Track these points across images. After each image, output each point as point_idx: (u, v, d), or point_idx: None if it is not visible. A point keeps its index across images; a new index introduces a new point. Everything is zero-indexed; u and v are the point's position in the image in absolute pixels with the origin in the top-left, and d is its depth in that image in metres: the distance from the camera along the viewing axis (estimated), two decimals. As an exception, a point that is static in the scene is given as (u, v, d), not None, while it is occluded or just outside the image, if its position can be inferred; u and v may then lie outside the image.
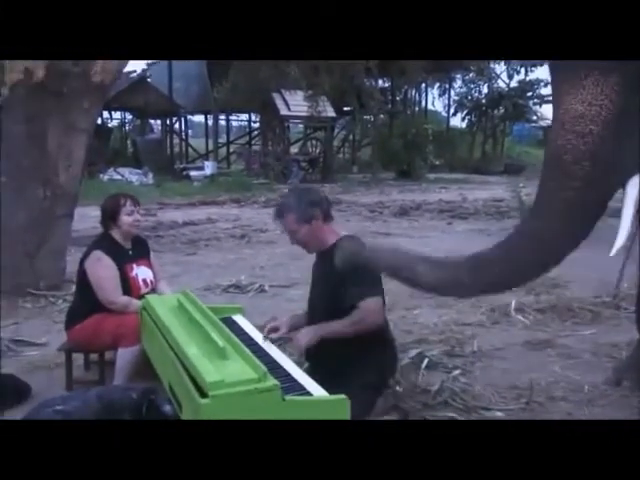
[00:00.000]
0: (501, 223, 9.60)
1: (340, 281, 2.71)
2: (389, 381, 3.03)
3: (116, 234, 3.52)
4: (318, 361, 2.89)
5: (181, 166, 19.64)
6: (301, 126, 22.24)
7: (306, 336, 2.70)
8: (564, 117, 2.02)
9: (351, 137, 22.56)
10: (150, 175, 16.75)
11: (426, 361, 3.65)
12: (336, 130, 21.05)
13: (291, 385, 2.34)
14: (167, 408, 2.89)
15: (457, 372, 3.59)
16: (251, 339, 2.87)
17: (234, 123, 28.34)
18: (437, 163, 22.32)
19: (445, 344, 4.09)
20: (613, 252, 2.19)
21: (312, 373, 2.69)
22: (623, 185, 2.15)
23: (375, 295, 2.75)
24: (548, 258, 2.17)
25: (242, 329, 2.99)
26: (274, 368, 2.45)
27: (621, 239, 2.17)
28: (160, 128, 22.15)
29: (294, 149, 20.16)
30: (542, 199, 2.15)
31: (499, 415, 3.10)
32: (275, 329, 2.90)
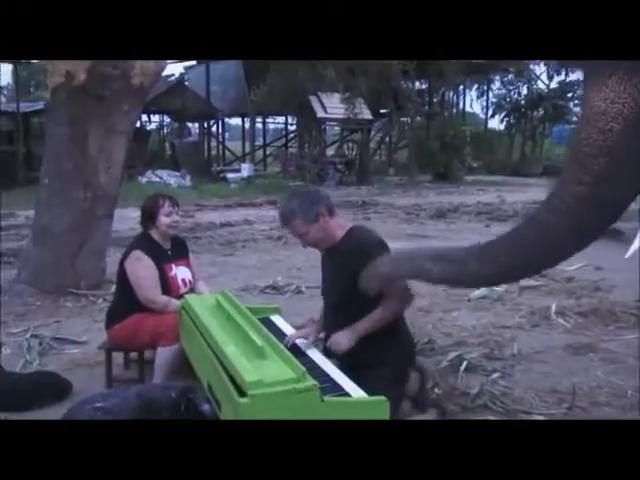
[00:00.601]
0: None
1: (356, 272, 2.66)
2: (407, 373, 2.97)
3: (155, 234, 3.56)
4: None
5: (218, 168, 19.82)
6: (337, 128, 22.27)
7: (345, 338, 2.70)
8: (588, 112, 2.01)
9: (388, 139, 22.47)
10: (188, 177, 16.94)
11: (465, 364, 3.61)
12: (373, 132, 21.01)
13: (329, 386, 2.33)
14: (205, 407, 2.91)
15: (496, 375, 3.55)
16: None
17: (271, 126, 28.50)
18: (475, 165, 22.09)
19: (484, 347, 4.04)
20: (629, 254, 2.15)
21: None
22: None
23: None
24: (553, 252, 2.15)
25: (280, 329, 2.99)
26: (312, 368, 2.45)
27: (638, 241, 2.13)
28: (197, 131, 22.40)
29: (330, 151, 20.16)
30: (555, 191, 2.13)
31: (540, 419, 3.04)
32: (304, 336, 2.89)
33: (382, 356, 2.79)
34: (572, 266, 5.88)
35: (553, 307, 4.81)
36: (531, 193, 13.63)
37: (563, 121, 25.93)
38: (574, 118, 25.65)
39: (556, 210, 2.06)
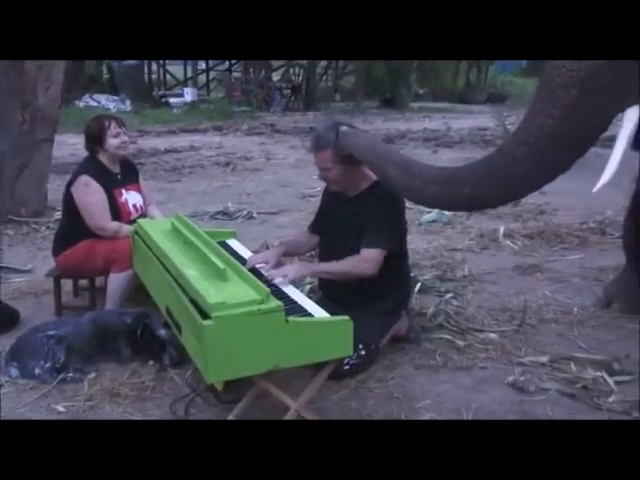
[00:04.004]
0: (487, 151, 9.35)
1: (363, 225, 2.71)
2: (404, 309, 3.05)
3: (103, 158, 3.42)
4: (334, 290, 2.91)
5: (160, 93, 19.10)
6: (282, 52, 21.70)
7: (294, 271, 2.67)
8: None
9: (334, 64, 22.04)
10: (128, 102, 16.27)
11: (419, 285, 3.67)
12: (318, 57, 20.57)
13: (292, 307, 2.33)
14: (162, 332, 2.90)
15: (449, 295, 3.63)
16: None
17: (213, 49, 27.50)
18: (421, 92, 21.95)
19: (437, 269, 4.11)
20: (597, 188, 2.14)
21: (326, 301, 2.71)
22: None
23: (379, 247, 2.72)
24: (520, 184, 2.13)
25: (238, 253, 2.95)
26: (274, 291, 2.43)
27: (607, 175, 2.12)
28: (136, 53, 21.47)
29: (276, 76, 19.66)
30: (522, 125, 2.10)
31: (492, 337, 3.14)
32: (265, 261, 2.86)
33: (376, 295, 2.83)
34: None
35: (501, 230, 4.92)
36: (476, 120, 13.69)
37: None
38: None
39: (522, 144, 2.03)
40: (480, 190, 2.14)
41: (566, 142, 1.99)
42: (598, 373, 2.74)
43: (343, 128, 2.69)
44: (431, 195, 2.22)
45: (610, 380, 2.69)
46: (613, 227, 4.94)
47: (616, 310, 3.45)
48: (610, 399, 2.57)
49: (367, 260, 2.71)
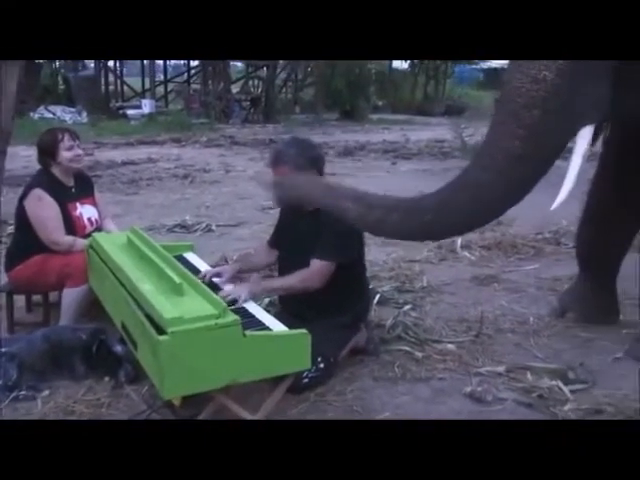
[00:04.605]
0: (444, 163, 9.66)
1: (330, 240, 2.71)
2: (362, 321, 3.05)
3: (56, 171, 3.36)
4: (293, 304, 2.89)
5: (117, 104, 18.88)
6: (242, 64, 21.68)
7: (245, 292, 2.63)
8: (522, 60, 1.99)
9: (293, 77, 22.10)
10: (84, 114, 16.05)
11: (378, 297, 3.69)
12: (278, 69, 20.56)
13: (250, 321, 2.31)
14: (118, 348, 2.84)
15: (408, 307, 3.65)
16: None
17: (172, 61, 27.32)
18: (380, 104, 22.19)
19: (395, 280, 4.13)
20: (555, 206, 2.17)
21: (285, 315, 2.69)
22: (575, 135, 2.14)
23: (328, 259, 2.72)
24: (486, 212, 2.14)
25: (195, 267, 2.92)
26: (230, 305, 2.41)
27: (564, 193, 2.16)
28: (93, 65, 21.16)
29: (235, 88, 19.61)
30: (485, 148, 2.11)
31: (450, 347, 3.16)
32: (218, 275, 2.85)
33: (335, 308, 2.82)
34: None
35: (459, 241, 4.96)
36: (434, 132, 13.91)
37: (464, 61, 26.36)
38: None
39: (489, 168, 2.02)
40: (443, 219, 2.12)
41: (532, 163, 2.01)
42: (553, 382, 2.79)
43: (295, 180, 2.57)
44: (392, 224, 2.16)
45: (565, 389, 2.74)
46: (567, 237, 5.05)
47: (571, 319, 3.51)
48: (565, 407, 2.61)
49: (314, 272, 2.71)
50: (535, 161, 2.02)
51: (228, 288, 2.66)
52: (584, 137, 2.12)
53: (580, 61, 1.93)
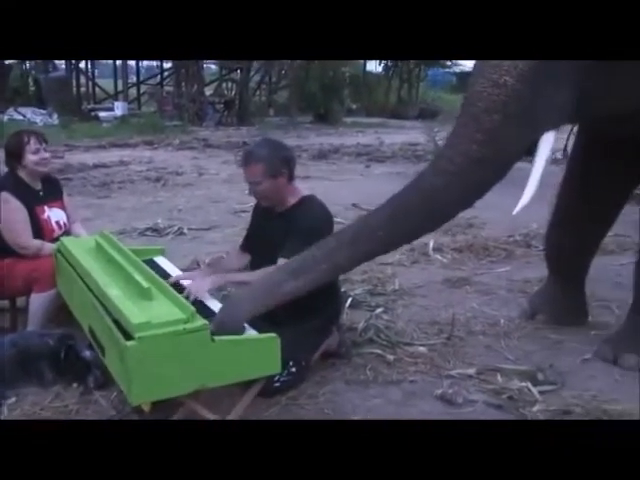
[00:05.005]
0: (417, 166, 9.69)
1: (296, 243, 2.63)
2: (334, 324, 3.04)
3: (23, 174, 3.30)
4: None
5: (89, 107, 18.68)
6: (215, 67, 21.58)
7: (209, 282, 2.64)
8: (483, 64, 2.01)
9: (267, 79, 22.06)
10: (55, 116, 15.84)
11: (350, 300, 3.68)
12: (252, 72, 20.51)
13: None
14: (87, 354, 2.81)
15: (380, 310, 3.66)
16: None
17: (145, 62, 27.08)
18: (354, 107, 22.26)
19: (367, 283, 4.14)
20: (517, 210, 2.19)
21: (256, 319, 2.65)
22: (536, 141, 2.16)
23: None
24: (440, 216, 2.16)
25: (165, 271, 2.89)
26: (199, 309, 2.38)
27: (527, 197, 2.18)
28: (64, 66, 20.90)
29: (209, 91, 19.51)
30: (443, 153, 2.11)
31: (422, 350, 3.18)
32: (190, 278, 2.82)
33: (307, 311, 2.77)
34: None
35: (431, 244, 4.99)
36: (408, 135, 13.96)
37: (437, 65, 26.55)
38: (448, 62, 26.39)
39: (444, 172, 2.03)
40: (395, 229, 2.13)
41: (490, 166, 2.03)
42: (523, 383, 2.81)
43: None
44: (346, 259, 2.21)
45: (534, 390, 2.76)
46: (538, 240, 5.09)
47: (540, 321, 3.55)
48: (534, 409, 2.63)
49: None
50: (494, 165, 2.04)
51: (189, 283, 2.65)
52: (547, 141, 2.14)
53: (542, 66, 1.95)
